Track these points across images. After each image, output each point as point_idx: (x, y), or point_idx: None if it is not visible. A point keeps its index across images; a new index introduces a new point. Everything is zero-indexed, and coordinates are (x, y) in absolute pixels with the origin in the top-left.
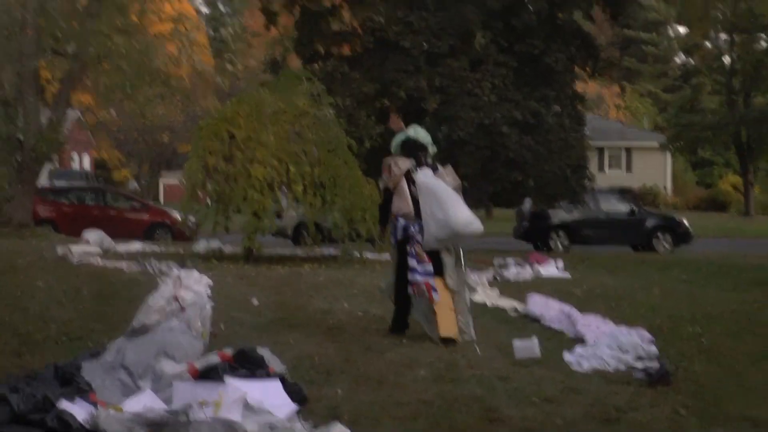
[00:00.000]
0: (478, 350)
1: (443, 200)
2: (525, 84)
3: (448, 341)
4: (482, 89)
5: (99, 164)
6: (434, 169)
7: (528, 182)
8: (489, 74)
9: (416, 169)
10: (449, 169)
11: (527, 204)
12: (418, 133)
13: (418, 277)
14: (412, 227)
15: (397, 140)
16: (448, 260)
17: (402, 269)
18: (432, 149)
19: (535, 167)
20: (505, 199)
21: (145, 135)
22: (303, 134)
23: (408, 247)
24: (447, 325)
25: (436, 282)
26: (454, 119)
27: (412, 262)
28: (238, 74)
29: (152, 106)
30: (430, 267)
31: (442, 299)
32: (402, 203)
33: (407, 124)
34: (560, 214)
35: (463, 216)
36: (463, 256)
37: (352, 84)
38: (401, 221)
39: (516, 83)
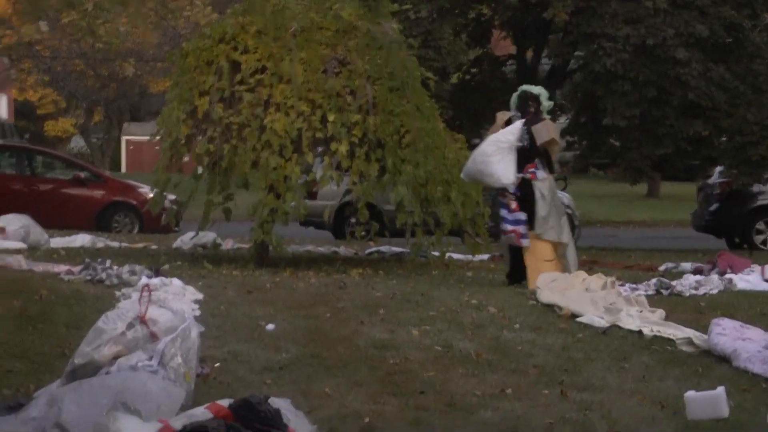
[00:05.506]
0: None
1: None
2: None
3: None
4: None
5: (23, 111)
6: (535, 122)
7: (719, 140)
8: None
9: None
10: (549, 123)
11: (717, 175)
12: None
13: (507, 226)
14: None
15: (514, 95)
16: (540, 208)
17: None
18: (547, 103)
19: (732, 115)
20: (680, 167)
21: (96, 65)
22: (350, 63)
23: (500, 198)
24: (536, 278)
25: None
26: (597, 38)
27: (503, 212)
28: None
29: (108, 19)
30: (520, 215)
31: (533, 250)
32: None
33: (521, 43)
34: None
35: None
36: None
37: None
38: None
39: None
